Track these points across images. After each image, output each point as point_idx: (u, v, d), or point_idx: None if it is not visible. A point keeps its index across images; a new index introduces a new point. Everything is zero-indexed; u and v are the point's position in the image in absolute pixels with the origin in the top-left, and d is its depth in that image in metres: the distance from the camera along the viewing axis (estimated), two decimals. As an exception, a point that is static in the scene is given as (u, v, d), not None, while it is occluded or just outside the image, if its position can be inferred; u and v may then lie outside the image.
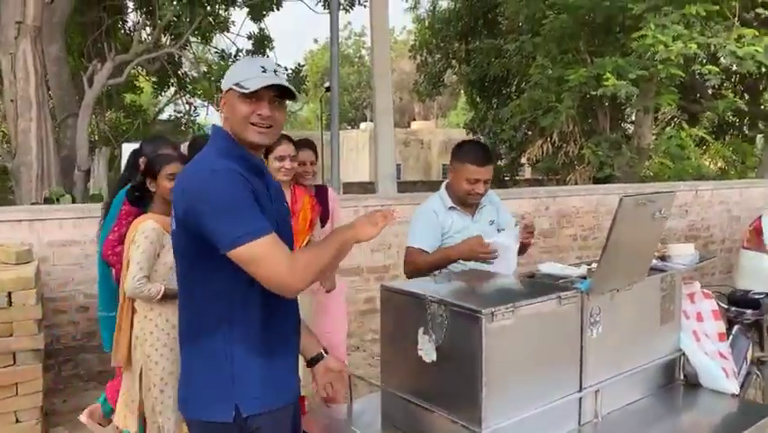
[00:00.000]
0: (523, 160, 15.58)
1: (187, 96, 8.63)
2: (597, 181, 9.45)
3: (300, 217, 3.17)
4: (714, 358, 2.40)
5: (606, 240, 1.94)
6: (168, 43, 7.47)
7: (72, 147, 7.02)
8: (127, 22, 9.66)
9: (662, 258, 2.62)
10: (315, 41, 47.66)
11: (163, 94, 11.06)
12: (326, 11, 11.62)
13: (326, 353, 1.94)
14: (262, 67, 1.61)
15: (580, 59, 9.88)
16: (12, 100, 6.30)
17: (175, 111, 10.62)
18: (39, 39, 6.40)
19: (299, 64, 8.35)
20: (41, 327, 3.40)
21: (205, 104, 8.56)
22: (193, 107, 9.33)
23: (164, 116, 12.04)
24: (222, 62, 8.42)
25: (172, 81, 9.47)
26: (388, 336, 2.09)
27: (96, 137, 9.97)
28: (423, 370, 1.92)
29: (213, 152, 1.62)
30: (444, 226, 2.73)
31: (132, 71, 9.26)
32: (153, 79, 9.96)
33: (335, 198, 3.66)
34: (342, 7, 11.91)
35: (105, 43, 7.69)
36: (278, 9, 9.94)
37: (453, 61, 15.88)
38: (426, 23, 16.30)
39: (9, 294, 3.23)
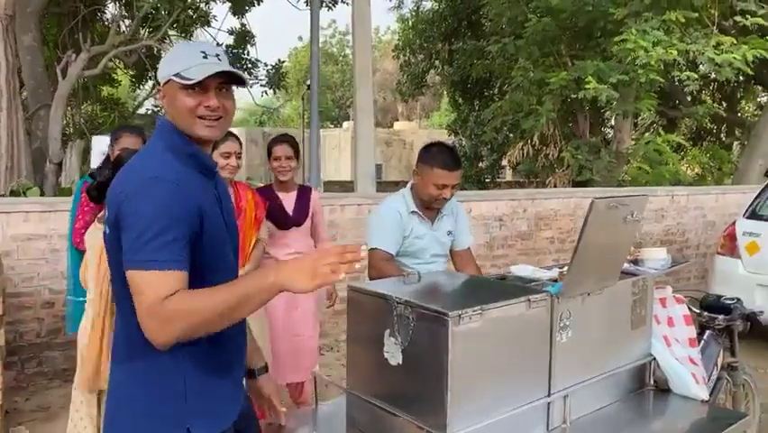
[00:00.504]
0: (504, 162, 15.63)
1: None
2: (576, 185, 9.49)
3: (247, 215, 3.12)
4: (684, 364, 2.38)
5: (576, 243, 1.91)
6: (146, 36, 7.33)
7: (44, 139, 6.86)
8: (105, 13, 9.48)
9: (635, 262, 2.60)
10: (300, 38, 47.28)
11: (141, 87, 10.90)
12: (309, 8, 11.57)
13: (266, 370, 1.85)
14: (203, 52, 1.45)
15: (561, 62, 9.92)
16: (-18, 90, 6.14)
17: (153, 105, 10.46)
18: (11, 28, 6.25)
19: (279, 60, 8.30)
20: (1, 323, 3.29)
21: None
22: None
23: (142, 110, 11.86)
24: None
25: (150, 75, 9.33)
26: (355, 338, 2.05)
27: (72, 130, 9.78)
28: (389, 373, 1.87)
29: (160, 149, 1.46)
30: (406, 230, 2.65)
31: (110, 64, 9.09)
32: (131, 73, 9.81)
33: (317, 200, 3.57)
34: (324, 5, 11.84)
35: (81, 34, 7.54)
36: (258, 4, 9.85)
37: (436, 62, 15.87)
38: (410, 23, 16.27)
39: (-32, 289, 3.13)
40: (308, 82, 19.40)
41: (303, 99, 17.23)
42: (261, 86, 8.15)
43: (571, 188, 8.42)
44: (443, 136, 21.56)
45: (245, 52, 9.28)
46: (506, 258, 5.97)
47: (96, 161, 4.22)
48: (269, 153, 3.42)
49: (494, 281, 2.24)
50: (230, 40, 9.88)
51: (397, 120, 38.81)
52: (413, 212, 2.67)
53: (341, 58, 43.81)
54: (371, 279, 2.51)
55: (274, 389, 1.88)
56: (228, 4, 9.54)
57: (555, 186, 9.71)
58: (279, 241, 3.39)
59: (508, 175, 20.81)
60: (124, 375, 1.46)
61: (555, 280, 2.28)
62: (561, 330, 2.02)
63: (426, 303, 1.78)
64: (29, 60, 7.48)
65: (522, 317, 1.89)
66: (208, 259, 1.45)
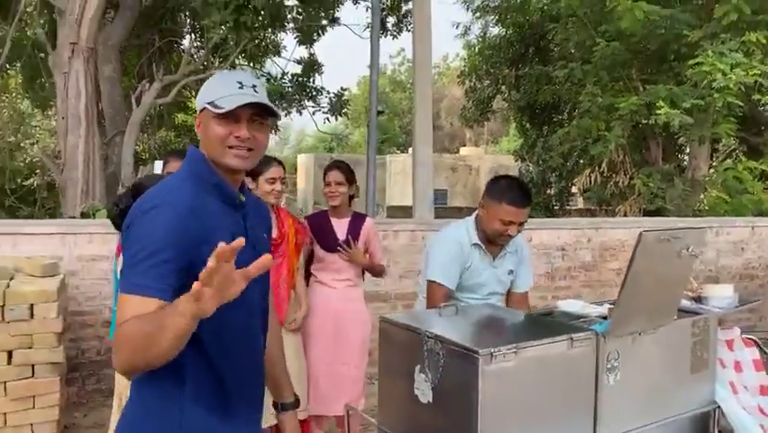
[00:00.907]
0: (574, 189, 15.17)
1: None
2: (648, 214, 9.05)
3: (289, 240, 3.13)
4: (753, 414, 2.17)
5: (624, 278, 1.77)
6: (215, 66, 7.62)
7: (119, 164, 7.21)
8: (182, 44, 9.96)
9: (698, 299, 2.41)
10: (369, 66, 48.16)
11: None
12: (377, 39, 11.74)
13: (293, 406, 1.79)
14: (239, 82, 1.45)
15: (631, 87, 9.56)
16: (63, 117, 6.53)
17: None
18: (91, 59, 6.63)
19: (342, 88, 8.39)
20: (62, 340, 3.41)
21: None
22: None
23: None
24: (267, 84, 8.58)
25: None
26: (386, 372, 1.97)
27: (147, 155, 10.25)
28: (419, 410, 1.79)
29: (182, 177, 1.47)
30: (466, 261, 2.49)
31: (184, 92, 9.49)
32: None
33: (371, 228, 3.48)
34: (389, 33, 11.98)
35: (155, 64, 7.92)
36: (322, 34, 10.08)
37: (503, 87, 15.69)
38: (476, 50, 16.21)
39: (31, 306, 3.26)
40: (379, 109, 19.70)
41: (368, 126, 17.40)
42: (324, 113, 8.27)
43: (640, 218, 8.03)
44: (510, 162, 21.23)
45: (311, 81, 9.46)
46: (568, 290, 5.72)
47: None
48: (324, 178, 3.43)
49: (536, 317, 2.11)
50: (297, 69, 10.13)
51: (464, 145, 38.65)
52: (475, 244, 2.52)
53: (408, 85, 44.31)
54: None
55: (295, 428, 1.80)
56: (295, 34, 9.80)
57: (626, 214, 9.30)
58: (329, 266, 3.37)
59: (579, 202, 20.22)
60: (133, 394, 1.46)
61: (605, 318, 2.12)
62: (608, 372, 1.87)
63: (457, 339, 1.70)
64: (108, 90, 7.93)
65: (563, 357, 1.76)
66: None
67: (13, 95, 13.09)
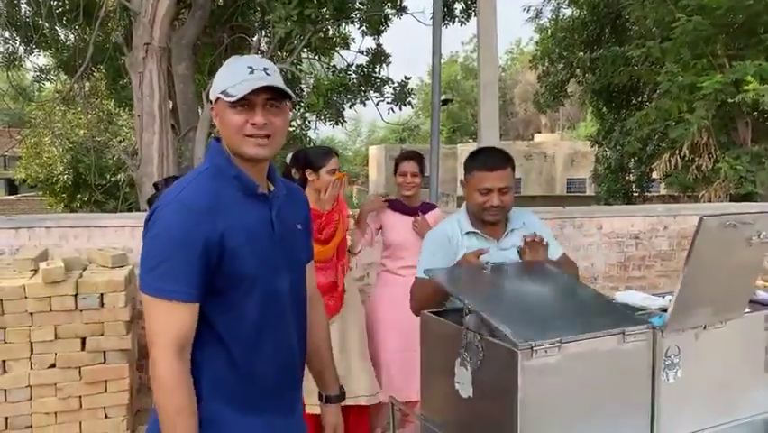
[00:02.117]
0: (655, 175, 14.45)
1: (301, 110, 8.95)
2: (735, 199, 8.46)
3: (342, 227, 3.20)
4: (840, 418, 1.95)
5: (683, 268, 1.63)
6: (281, 60, 7.74)
7: (192, 159, 7.47)
8: (252, 41, 10.19)
9: (778, 291, 2.19)
10: (441, 54, 47.71)
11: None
12: (442, 24, 11.57)
13: (337, 400, 1.78)
14: (249, 67, 1.39)
15: (717, 64, 8.95)
16: (138, 115, 6.83)
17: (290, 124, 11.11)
18: (164, 59, 6.88)
19: (405, 77, 8.29)
20: (131, 328, 3.56)
21: (314, 118, 8.78)
22: (307, 121, 9.66)
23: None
24: (332, 76, 8.62)
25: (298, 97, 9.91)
26: (428, 365, 1.91)
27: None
28: (460, 405, 1.72)
29: (200, 171, 1.47)
30: (458, 254, 2.21)
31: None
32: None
33: (438, 217, 3.45)
34: (458, 20, 11.77)
35: (220, 61, 8.15)
36: (388, 24, 10.03)
37: (577, 71, 15.11)
38: (549, 33, 15.68)
39: (101, 296, 3.42)
40: (443, 97, 19.50)
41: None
42: (387, 103, 8.22)
43: (724, 203, 7.50)
44: (587, 148, 20.45)
45: (377, 71, 9.42)
46: (643, 280, 5.42)
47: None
48: (396, 169, 3.44)
49: (595, 300, 1.91)
50: (362, 60, 10.15)
51: (540, 132, 37.66)
52: (469, 233, 2.27)
53: (482, 72, 43.52)
54: (413, 310, 2.23)
55: (337, 422, 1.79)
56: (356, 25, 9.80)
57: (710, 200, 8.73)
58: (397, 254, 3.39)
59: (662, 189, 19.25)
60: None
61: (666, 310, 1.97)
62: (667, 369, 1.73)
63: (498, 328, 1.60)
64: (182, 87, 8.23)
65: (614, 353, 1.64)
66: (238, 280, 1.40)
67: (102, 95, 13.90)
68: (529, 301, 1.87)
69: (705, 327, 1.79)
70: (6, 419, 3.36)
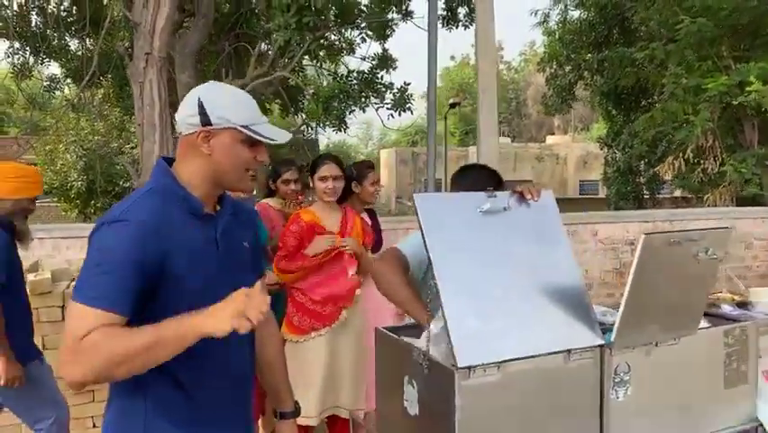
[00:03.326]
0: (667, 177, 14.32)
1: (303, 117, 9.01)
2: (741, 203, 8.35)
3: (353, 237, 3.10)
4: (802, 434, 1.92)
5: (627, 286, 1.62)
6: (281, 67, 7.79)
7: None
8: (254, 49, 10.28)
9: (742, 305, 2.17)
10: (452, 57, 47.79)
11: (287, 116, 11.61)
12: (446, 28, 11.57)
13: (292, 415, 1.78)
14: (256, 108, 1.50)
15: (722, 66, 8.84)
16: (139, 124, 6.91)
17: (294, 133, 11.16)
18: (164, 69, 6.95)
19: (405, 83, 8.30)
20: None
21: (313, 125, 8.82)
22: (310, 127, 9.70)
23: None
24: (335, 83, 8.65)
25: (298, 104, 9.96)
26: (381, 381, 1.92)
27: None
28: (407, 422, 1.72)
29: (145, 190, 1.49)
30: None
31: (262, 95, 9.74)
32: (276, 102, 10.51)
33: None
34: (462, 24, 11.77)
35: (224, 69, 8.22)
36: (391, 29, 10.06)
37: (585, 73, 15.01)
38: (556, 35, 15.59)
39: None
40: (451, 101, 19.49)
41: (446, 118, 17.27)
42: (387, 108, 8.23)
43: (726, 208, 7.41)
44: (599, 149, 20.30)
45: (380, 77, 9.44)
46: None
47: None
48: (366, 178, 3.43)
49: (567, 305, 1.83)
50: (365, 66, 10.18)
51: (553, 134, 37.45)
52: None
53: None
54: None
55: None
56: (361, 32, 9.83)
57: (716, 204, 8.63)
58: None
59: (676, 191, 19.04)
60: (109, 410, 1.49)
61: (621, 326, 1.96)
62: (616, 386, 1.72)
63: (439, 347, 1.61)
64: (185, 96, 8.31)
65: (558, 372, 1.63)
66: (179, 300, 1.39)
67: (112, 104, 14.10)
68: (499, 294, 1.65)
69: (657, 344, 1.77)
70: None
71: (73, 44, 10.86)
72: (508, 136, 36.53)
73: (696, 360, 1.86)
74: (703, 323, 1.96)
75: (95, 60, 8.35)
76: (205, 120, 1.45)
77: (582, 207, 18.74)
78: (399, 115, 8.09)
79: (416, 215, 1.64)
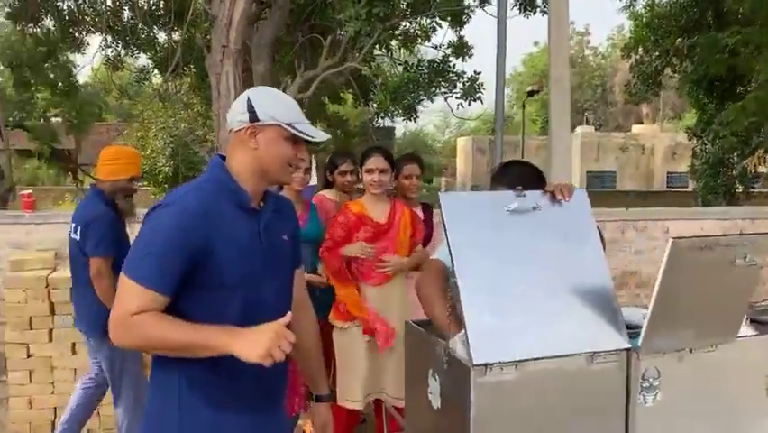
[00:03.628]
0: (761, 170, 13.37)
1: (374, 106, 9.11)
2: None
3: (401, 229, 3.14)
4: None
5: (654, 291, 1.58)
6: (352, 58, 7.89)
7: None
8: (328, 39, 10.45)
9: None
10: (536, 43, 46.47)
11: (360, 105, 11.74)
12: (523, 14, 11.30)
13: (327, 399, 1.87)
14: (300, 111, 1.64)
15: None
16: (216, 114, 7.23)
17: (361, 122, 11.28)
18: (239, 60, 7.23)
19: (475, 71, 8.19)
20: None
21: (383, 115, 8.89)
22: (382, 118, 9.79)
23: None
24: (404, 72, 8.66)
25: (369, 94, 10.07)
26: (410, 374, 1.96)
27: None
28: (431, 415, 1.77)
29: (199, 181, 1.63)
30: None
31: (330, 84, 9.88)
32: (349, 92, 10.67)
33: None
34: (540, 10, 11.46)
35: (296, 60, 8.41)
36: (464, 19, 9.93)
37: (673, 59, 14.21)
38: (643, 20, 14.82)
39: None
40: (529, 89, 19.02)
41: (524, 107, 16.91)
42: (456, 98, 8.17)
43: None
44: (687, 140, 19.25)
45: (452, 65, 9.36)
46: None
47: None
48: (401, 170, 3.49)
49: (596, 307, 1.79)
50: (439, 54, 10.11)
51: (641, 123, 35.76)
52: None
53: (579, 60, 41.88)
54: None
55: (326, 420, 1.88)
56: (430, 20, 9.77)
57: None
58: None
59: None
60: (151, 386, 1.62)
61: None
62: (644, 392, 1.68)
63: (461, 342, 1.62)
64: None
65: (580, 374, 1.62)
66: (221, 285, 1.51)
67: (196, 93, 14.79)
68: (521, 291, 1.64)
69: (691, 351, 1.72)
70: (75, 395, 3.73)
71: (161, 37, 11.45)
72: (592, 125, 35.18)
73: (736, 369, 1.79)
74: (749, 330, 1.88)
75: (178, 52, 8.78)
76: (253, 117, 1.57)
77: (668, 200, 17.84)
78: (469, 104, 8.02)
79: (440, 214, 1.67)
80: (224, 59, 7.13)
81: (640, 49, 14.81)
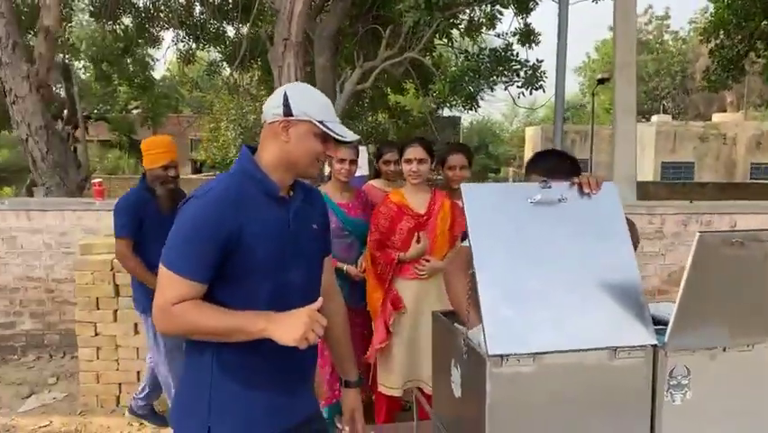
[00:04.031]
0: None
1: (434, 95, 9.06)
2: None
3: (439, 219, 3.14)
4: None
5: (680, 286, 1.53)
6: (411, 48, 7.89)
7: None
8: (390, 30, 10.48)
9: None
10: (611, 28, 44.58)
11: (419, 96, 11.72)
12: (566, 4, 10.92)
13: (355, 385, 1.91)
14: (333, 110, 1.71)
15: None
16: (278, 106, 7.42)
17: (421, 112, 11.27)
18: (300, 53, 7.37)
19: (537, 60, 8.01)
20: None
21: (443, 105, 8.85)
22: (440, 107, 9.73)
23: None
24: (464, 62, 8.58)
25: (428, 84, 10.05)
26: (437, 363, 1.98)
27: (364, 137, 11.06)
28: (454, 403, 1.79)
29: (231, 172, 1.69)
30: None
31: (398, 76, 9.93)
32: (411, 82, 10.68)
33: None
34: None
35: (355, 52, 8.50)
36: (530, 4, 9.71)
37: (758, 43, 13.34)
38: (725, 1, 13.97)
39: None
40: (599, 76, 18.33)
41: (593, 95, 16.37)
42: (518, 87, 8.02)
43: None
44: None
45: (515, 54, 9.19)
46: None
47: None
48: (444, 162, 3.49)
49: (621, 300, 1.77)
50: (498, 42, 9.94)
51: (725, 110, 33.82)
52: None
53: (657, 45, 39.99)
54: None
55: (355, 405, 1.92)
56: (492, 8, 9.61)
57: None
58: None
59: None
60: (185, 365, 1.70)
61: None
62: (672, 390, 1.64)
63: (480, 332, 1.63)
64: (322, 78, 8.74)
65: (602, 369, 1.59)
66: (252, 270, 1.58)
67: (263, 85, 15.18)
68: (541, 284, 1.62)
69: (725, 349, 1.65)
70: (138, 372, 3.97)
71: (229, 31, 11.83)
72: (670, 113, 33.60)
73: (774, 370, 1.71)
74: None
75: (243, 46, 9.04)
76: (288, 111, 1.63)
77: (752, 193, 16.81)
78: (530, 93, 7.86)
79: (463, 205, 1.67)
80: (285, 52, 7.28)
81: (721, 33, 13.98)
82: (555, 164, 2.10)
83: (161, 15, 11.46)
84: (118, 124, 15.04)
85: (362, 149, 4.65)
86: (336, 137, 1.65)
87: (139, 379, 3.94)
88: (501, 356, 1.53)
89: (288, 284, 1.65)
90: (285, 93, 1.65)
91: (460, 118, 24.34)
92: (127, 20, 11.64)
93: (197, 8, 11.57)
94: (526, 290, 1.61)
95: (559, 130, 6.38)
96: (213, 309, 1.53)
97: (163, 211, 3.21)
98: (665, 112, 33.06)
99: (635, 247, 2.07)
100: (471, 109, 9.05)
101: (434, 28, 7.41)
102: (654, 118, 27.54)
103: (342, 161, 3.23)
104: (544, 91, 7.93)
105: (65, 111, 17.43)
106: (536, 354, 1.55)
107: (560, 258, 1.66)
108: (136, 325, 3.91)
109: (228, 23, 11.43)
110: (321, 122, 1.62)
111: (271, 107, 1.66)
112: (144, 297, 3.20)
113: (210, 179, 1.74)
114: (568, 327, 1.59)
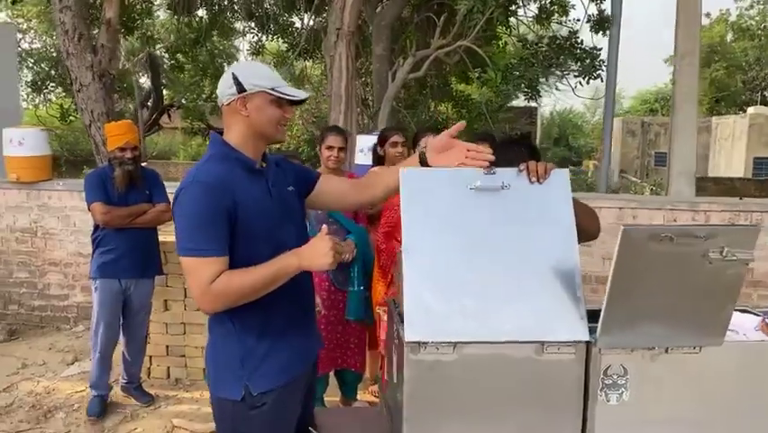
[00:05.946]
0: None
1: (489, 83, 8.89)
2: None
3: None
4: None
5: (607, 283, 1.47)
6: (465, 36, 7.76)
7: (380, 135, 8.00)
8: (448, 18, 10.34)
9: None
10: (707, 14, 42.02)
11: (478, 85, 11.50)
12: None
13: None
14: (278, 76, 1.79)
15: None
16: (329, 96, 7.52)
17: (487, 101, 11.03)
18: (352, 43, 7.44)
19: (595, 47, 7.67)
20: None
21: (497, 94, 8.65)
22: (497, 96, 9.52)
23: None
24: (520, 50, 8.36)
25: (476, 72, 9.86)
26: (386, 349, 1.99)
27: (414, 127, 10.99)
28: (390, 389, 1.80)
29: (206, 158, 1.78)
30: None
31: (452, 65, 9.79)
32: (470, 72, 10.51)
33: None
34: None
35: (408, 40, 8.44)
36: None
37: None
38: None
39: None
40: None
41: (674, 84, 15.42)
42: (575, 76, 7.72)
43: None
44: None
45: (579, 42, 8.83)
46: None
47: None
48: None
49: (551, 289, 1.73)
50: (563, 31, 9.60)
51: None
52: None
53: (759, 31, 37.13)
54: None
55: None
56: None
57: None
58: None
59: None
60: (210, 336, 1.83)
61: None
62: (607, 389, 1.58)
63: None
64: (377, 67, 8.78)
65: (529, 363, 1.56)
66: (252, 239, 1.69)
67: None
68: (472, 273, 1.61)
69: (667, 351, 1.57)
70: (167, 346, 4.19)
71: (297, 22, 12.07)
72: (765, 104, 31.19)
73: (724, 374, 1.60)
74: (755, 336, 1.68)
75: (303, 36, 9.21)
76: (240, 88, 1.74)
77: None
78: (588, 82, 7.56)
79: (400, 190, 1.68)
80: (337, 41, 7.36)
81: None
82: (510, 153, 2.05)
83: (235, 7, 11.86)
84: (190, 113, 15.72)
85: (368, 138, 4.64)
86: (289, 98, 1.75)
87: (168, 353, 4.16)
88: (419, 343, 1.53)
89: (283, 244, 1.75)
90: (232, 73, 1.75)
91: (536, 109, 23.65)
92: (201, 11, 12.13)
93: (267, 0, 11.89)
94: (455, 278, 1.60)
95: (609, 120, 6.12)
96: (245, 270, 1.64)
97: (119, 188, 3.49)
98: (765, 103, 30.72)
99: (595, 237, 1.99)
100: (532, 99, 8.80)
101: (486, 16, 7.24)
102: (751, 110, 25.66)
103: (330, 148, 3.25)
104: (601, 80, 7.60)
105: (150, 100, 18.45)
106: (457, 343, 1.53)
107: (495, 246, 1.63)
108: (166, 301, 4.12)
109: (295, 15, 11.67)
110: (272, 89, 1.72)
111: (225, 90, 1.76)
112: (94, 264, 3.54)
113: (190, 170, 1.82)
114: (494, 317, 1.57)
